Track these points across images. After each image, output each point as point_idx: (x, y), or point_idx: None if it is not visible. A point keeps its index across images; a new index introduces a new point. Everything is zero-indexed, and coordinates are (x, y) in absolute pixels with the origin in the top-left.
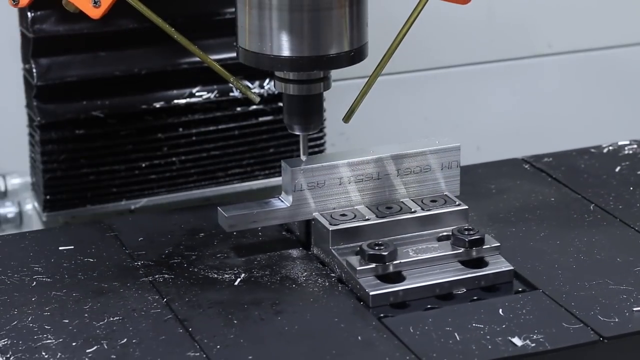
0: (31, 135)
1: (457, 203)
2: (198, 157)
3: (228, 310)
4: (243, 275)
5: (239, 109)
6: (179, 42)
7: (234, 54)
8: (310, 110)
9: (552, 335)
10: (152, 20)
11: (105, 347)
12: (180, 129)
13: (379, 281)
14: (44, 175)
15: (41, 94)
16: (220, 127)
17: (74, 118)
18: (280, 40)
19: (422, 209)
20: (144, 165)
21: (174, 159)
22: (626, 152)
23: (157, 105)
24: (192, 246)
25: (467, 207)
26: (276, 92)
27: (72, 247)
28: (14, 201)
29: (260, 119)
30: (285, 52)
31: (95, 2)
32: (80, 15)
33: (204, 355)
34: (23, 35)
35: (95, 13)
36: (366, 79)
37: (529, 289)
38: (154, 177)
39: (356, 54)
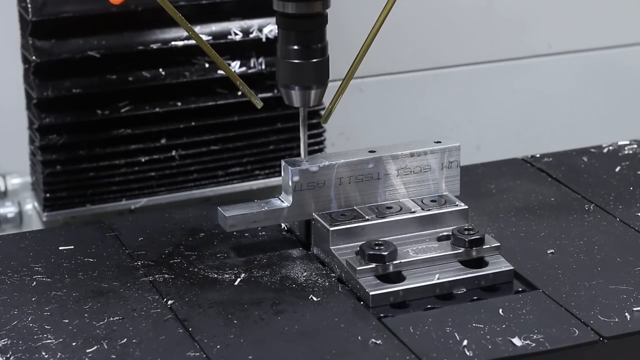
0: (31, 127)
1: (456, 203)
2: (198, 152)
3: (228, 310)
4: (243, 275)
5: (239, 93)
6: (196, 40)
7: None
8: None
9: (552, 335)
10: (169, 13)
11: (105, 347)
12: (179, 103)
13: (379, 281)
14: (43, 170)
15: (36, 30)
16: (219, 102)
17: (69, 58)
18: None
19: (422, 209)
20: (143, 160)
21: (173, 152)
22: (626, 152)
23: (154, 46)
24: (192, 246)
25: (467, 207)
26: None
27: (72, 247)
28: (14, 201)
29: (260, 95)
30: None
31: None
32: None
33: (204, 355)
34: None
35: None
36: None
37: (529, 289)
38: (153, 175)
39: None
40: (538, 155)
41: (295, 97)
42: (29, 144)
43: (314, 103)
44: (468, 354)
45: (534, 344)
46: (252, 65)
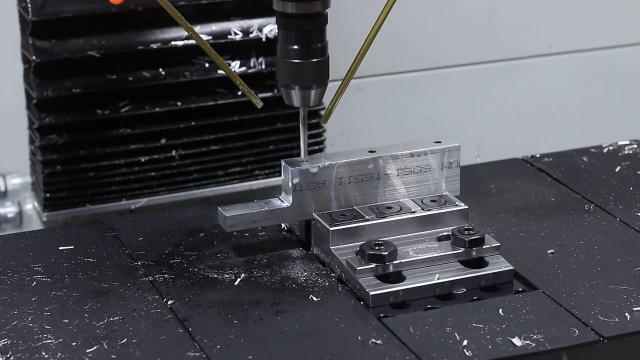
0: (31, 127)
1: (456, 203)
2: (198, 152)
3: (228, 310)
4: (243, 275)
5: (239, 93)
6: (196, 40)
7: None
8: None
9: (552, 335)
10: (169, 13)
11: (105, 347)
12: (179, 103)
13: (379, 281)
14: (43, 170)
15: (36, 30)
16: (219, 102)
17: (69, 58)
18: None
19: (422, 209)
20: (143, 160)
21: (173, 152)
22: (626, 152)
23: (154, 46)
24: (192, 246)
25: (467, 207)
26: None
27: (72, 247)
28: (14, 201)
29: (260, 95)
30: None
31: None
32: None
33: (204, 355)
34: None
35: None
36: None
37: (529, 289)
38: (153, 175)
39: None
40: (538, 155)
41: (295, 97)
42: (29, 144)
43: (314, 103)
44: (468, 354)
45: (534, 344)
46: (252, 65)
